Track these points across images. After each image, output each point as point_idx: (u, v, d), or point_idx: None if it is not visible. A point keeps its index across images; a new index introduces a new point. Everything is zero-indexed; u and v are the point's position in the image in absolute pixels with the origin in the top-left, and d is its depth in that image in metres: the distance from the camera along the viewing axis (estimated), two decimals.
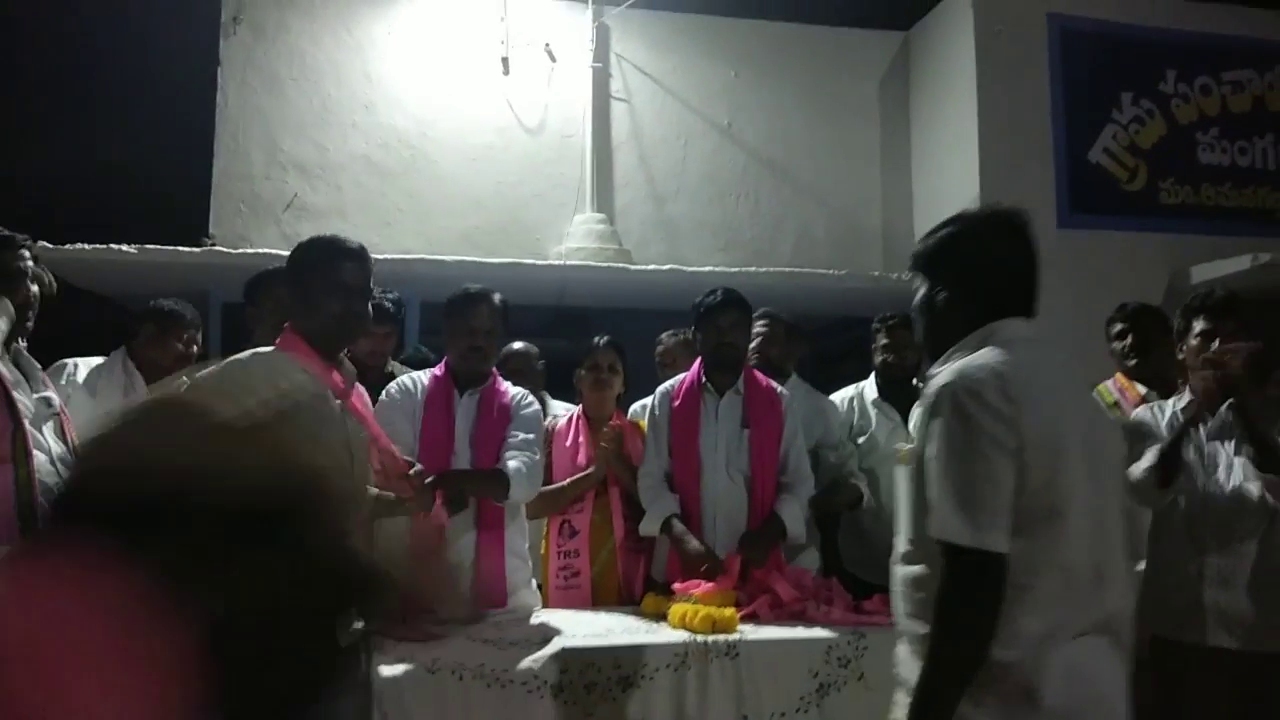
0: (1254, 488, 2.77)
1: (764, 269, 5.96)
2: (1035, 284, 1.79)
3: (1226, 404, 2.84)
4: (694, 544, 3.05)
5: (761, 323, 3.79)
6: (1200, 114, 6.34)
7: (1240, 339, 2.85)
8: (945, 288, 1.82)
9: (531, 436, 2.98)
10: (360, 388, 2.52)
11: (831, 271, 6.02)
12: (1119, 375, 3.62)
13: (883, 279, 6.06)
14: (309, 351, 2.25)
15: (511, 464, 2.87)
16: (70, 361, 3.48)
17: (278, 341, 2.29)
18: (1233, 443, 2.84)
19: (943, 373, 1.71)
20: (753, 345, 3.66)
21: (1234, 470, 2.82)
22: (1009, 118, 6.03)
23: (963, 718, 1.57)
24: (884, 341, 3.86)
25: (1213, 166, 6.31)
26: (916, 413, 1.76)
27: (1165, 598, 2.88)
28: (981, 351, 1.70)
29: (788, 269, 6.08)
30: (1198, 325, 2.94)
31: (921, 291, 1.86)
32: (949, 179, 6.27)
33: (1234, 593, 2.76)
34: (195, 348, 3.65)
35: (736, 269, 5.89)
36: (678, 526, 3.09)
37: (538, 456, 2.97)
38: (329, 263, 2.28)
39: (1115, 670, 1.64)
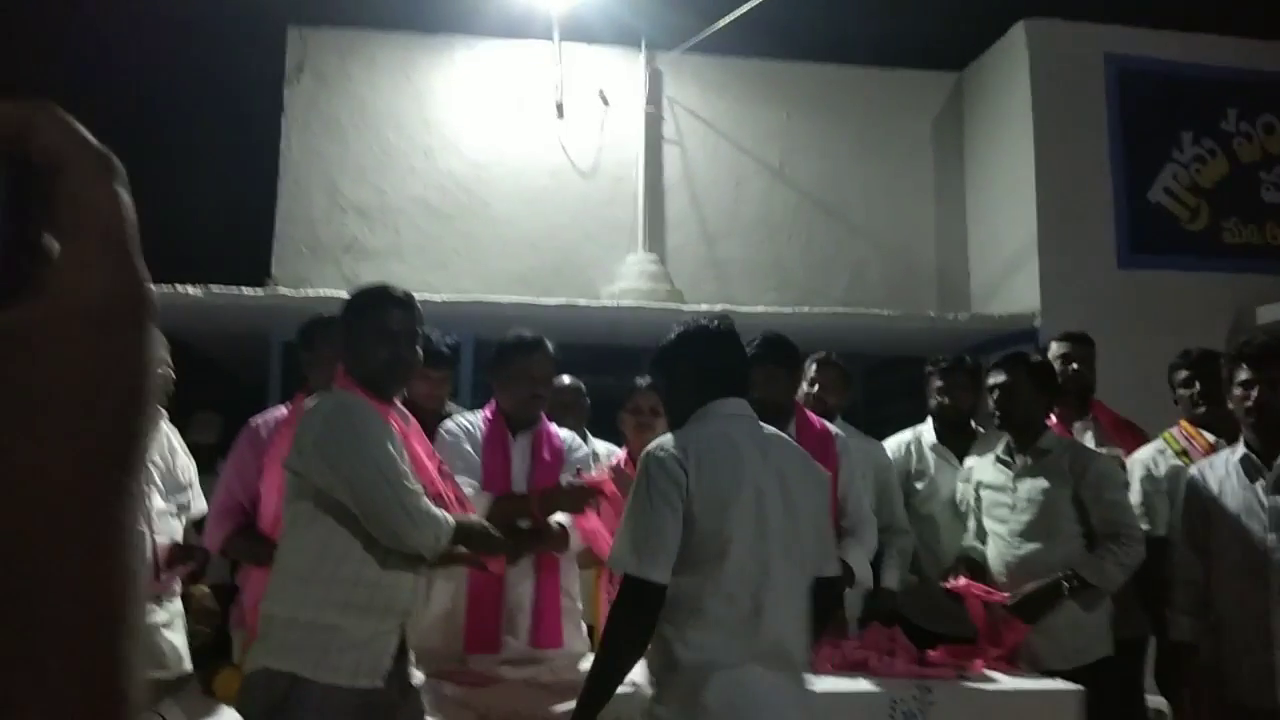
0: None
1: (816, 309, 5.93)
2: (741, 372, 2.29)
3: None
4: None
5: (818, 370, 3.76)
6: (1264, 152, 6.22)
7: None
8: (671, 381, 2.32)
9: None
10: (418, 429, 2.54)
11: (885, 312, 5.97)
12: (1184, 423, 3.53)
13: (938, 319, 6.00)
14: (364, 394, 2.30)
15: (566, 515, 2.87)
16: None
17: (336, 384, 2.33)
18: None
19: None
20: (812, 391, 3.65)
21: None
22: (1066, 157, 5.97)
23: (652, 714, 2.03)
24: (938, 384, 3.81)
25: (1277, 205, 6.17)
26: None
27: (1235, 660, 2.80)
28: (690, 426, 2.18)
29: (840, 309, 6.04)
30: (1240, 374, 2.88)
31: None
32: (1005, 219, 6.21)
33: None
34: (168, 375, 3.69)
35: (789, 309, 5.87)
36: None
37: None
38: (377, 310, 2.33)
39: (779, 691, 2.02)
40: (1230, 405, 2.98)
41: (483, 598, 2.81)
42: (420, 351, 2.40)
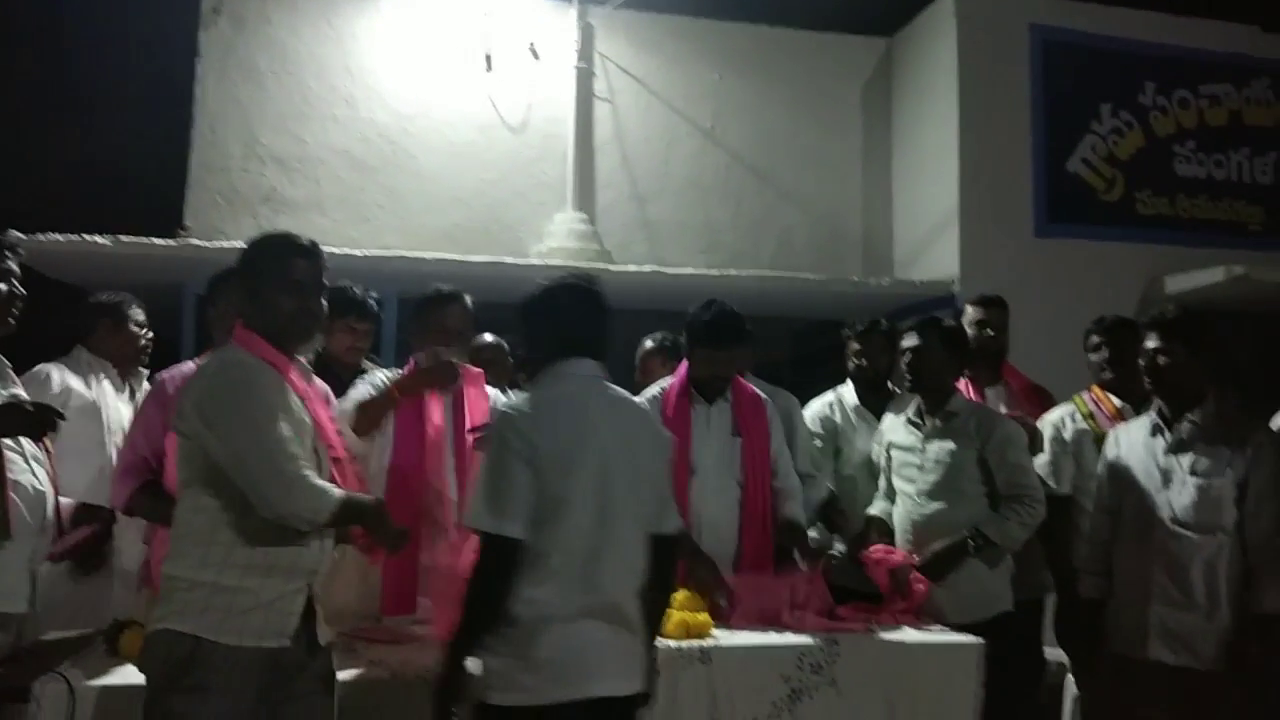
0: (1204, 505, 2.83)
1: (745, 272, 5.96)
2: (599, 334, 2.29)
3: (1186, 420, 2.91)
4: (708, 563, 3.03)
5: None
6: (1178, 126, 6.40)
7: (1188, 357, 2.92)
8: (530, 336, 2.32)
9: None
10: (321, 389, 2.48)
11: (811, 275, 6.04)
12: (1095, 388, 3.64)
13: (862, 284, 6.09)
14: (265, 346, 2.20)
15: None
16: (45, 371, 3.44)
17: (233, 339, 2.23)
18: (1189, 459, 2.90)
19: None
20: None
21: (1187, 486, 2.87)
22: (989, 126, 6.07)
23: (485, 666, 2.06)
24: (855, 347, 3.90)
25: (1189, 179, 6.37)
26: None
27: (1119, 613, 2.94)
28: (541, 385, 2.23)
29: (768, 272, 6.09)
30: (1149, 342, 2.99)
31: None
32: (929, 185, 6.30)
33: (1178, 609, 2.82)
34: (148, 333, 3.67)
35: (717, 271, 5.89)
36: (690, 541, 3.02)
37: None
38: (281, 259, 2.21)
39: (610, 646, 2.09)
40: (1099, 369, 3.10)
41: (398, 559, 2.78)
42: (326, 304, 2.29)
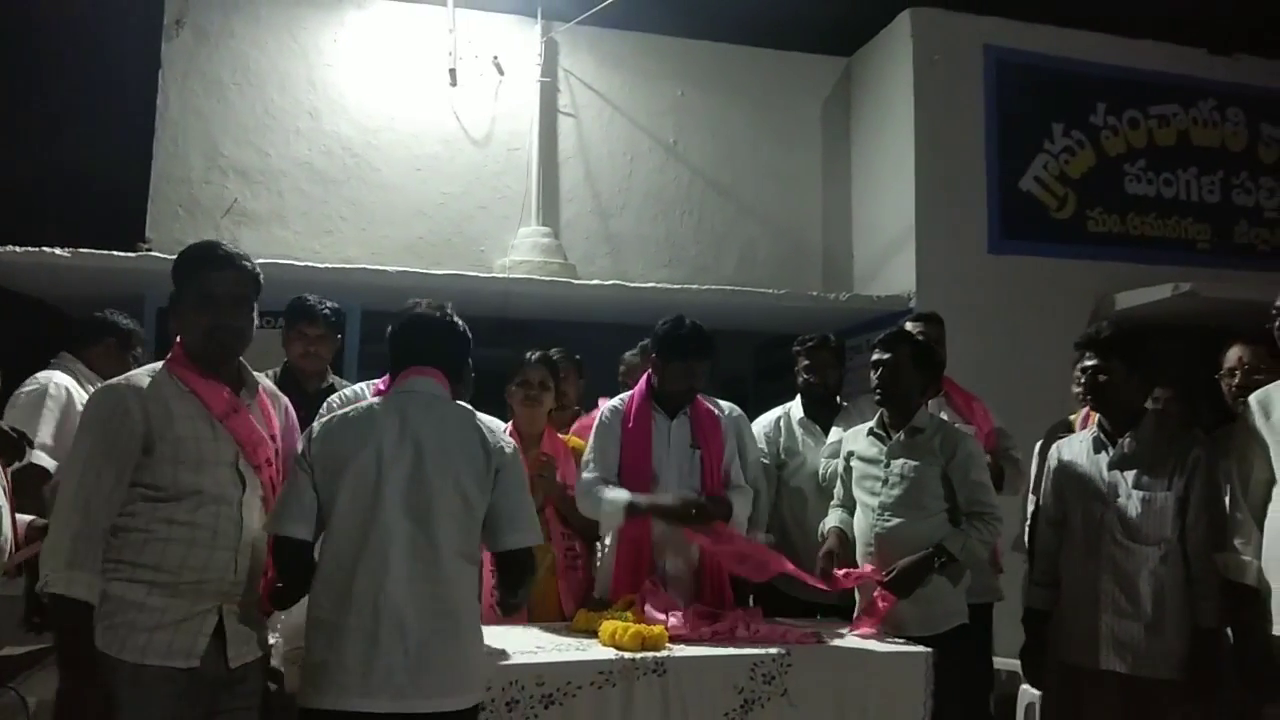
0: (1148, 518, 2.93)
1: (706, 286, 6.04)
2: (438, 351, 2.42)
3: (1128, 435, 3.01)
4: (670, 497, 3.15)
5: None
6: (1128, 146, 6.57)
7: (1125, 374, 3.02)
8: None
9: None
10: (274, 400, 2.43)
11: (772, 290, 6.12)
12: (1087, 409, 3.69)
13: (822, 298, 6.18)
14: (188, 368, 2.18)
15: None
16: (49, 378, 3.49)
17: (167, 358, 2.22)
18: (1133, 473, 3.00)
19: None
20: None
21: (1132, 499, 2.97)
22: (944, 144, 6.20)
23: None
24: (804, 362, 3.97)
25: (1139, 197, 6.54)
26: None
27: (1068, 623, 3.03)
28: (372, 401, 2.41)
29: (730, 286, 6.16)
30: (1087, 360, 3.10)
31: None
32: (887, 202, 6.42)
33: (1127, 619, 2.91)
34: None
35: (679, 285, 5.96)
36: (644, 499, 3.15)
37: None
38: (194, 274, 2.19)
39: (361, 642, 2.13)
40: (1074, 389, 3.19)
41: None
42: (254, 319, 2.27)
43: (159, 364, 2.22)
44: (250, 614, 2.23)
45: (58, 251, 5.02)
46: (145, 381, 2.15)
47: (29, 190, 5.96)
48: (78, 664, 1.97)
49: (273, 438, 2.32)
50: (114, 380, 2.18)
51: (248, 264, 2.27)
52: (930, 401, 3.72)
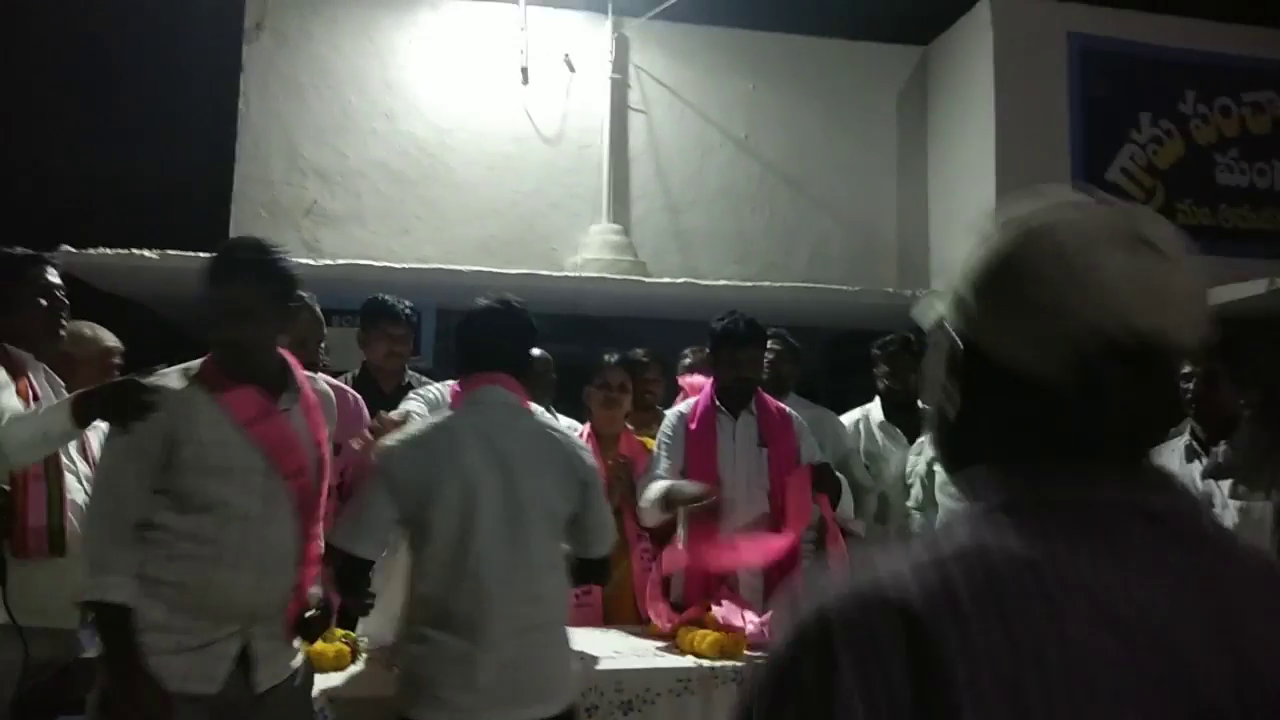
0: (1246, 529, 2.82)
1: (778, 283, 5.98)
2: (505, 354, 2.34)
3: (1222, 444, 2.89)
4: (689, 486, 3.06)
5: (773, 344, 3.80)
6: (1220, 135, 6.33)
7: (1224, 381, 2.91)
8: (456, 361, 2.48)
9: None
10: (325, 402, 2.35)
11: (846, 286, 6.04)
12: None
13: (897, 295, 6.06)
14: (216, 373, 2.15)
15: None
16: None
17: (203, 363, 2.18)
18: (1228, 483, 2.88)
19: None
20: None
21: (1229, 510, 2.86)
22: (1026, 135, 6.03)
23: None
24: (884, 367, 3.90)
25: (1231, 188, 6.30)
26: None
27: None
28: (449, 414, 2.38)
29: (802, 283, 6.09)
30: (1186, 366, 2.97)
31: None
32: (965, 195, 6.27)
33: None
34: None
35: (750, 283, 5.91)
36: (673, 486, 3.08)
37: None
38: (208, 283, 2.14)
39: (460, 661, 2.11)
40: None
41: None
42: (273, 323, 2.16)
43: (195, 363, 2.16)
44: (278, 634, 2.14)
45: (146, 253, 5.17)
46: (175, 384, 2.10)
47: (118, 194, 6.18)
48: (123, 664, 1.96)
49: (318, 444, 2.22)
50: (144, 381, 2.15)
51: (261, 271, 2.12)
52: None
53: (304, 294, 2.51)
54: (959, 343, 0.82)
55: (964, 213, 6.28)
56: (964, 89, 6.37)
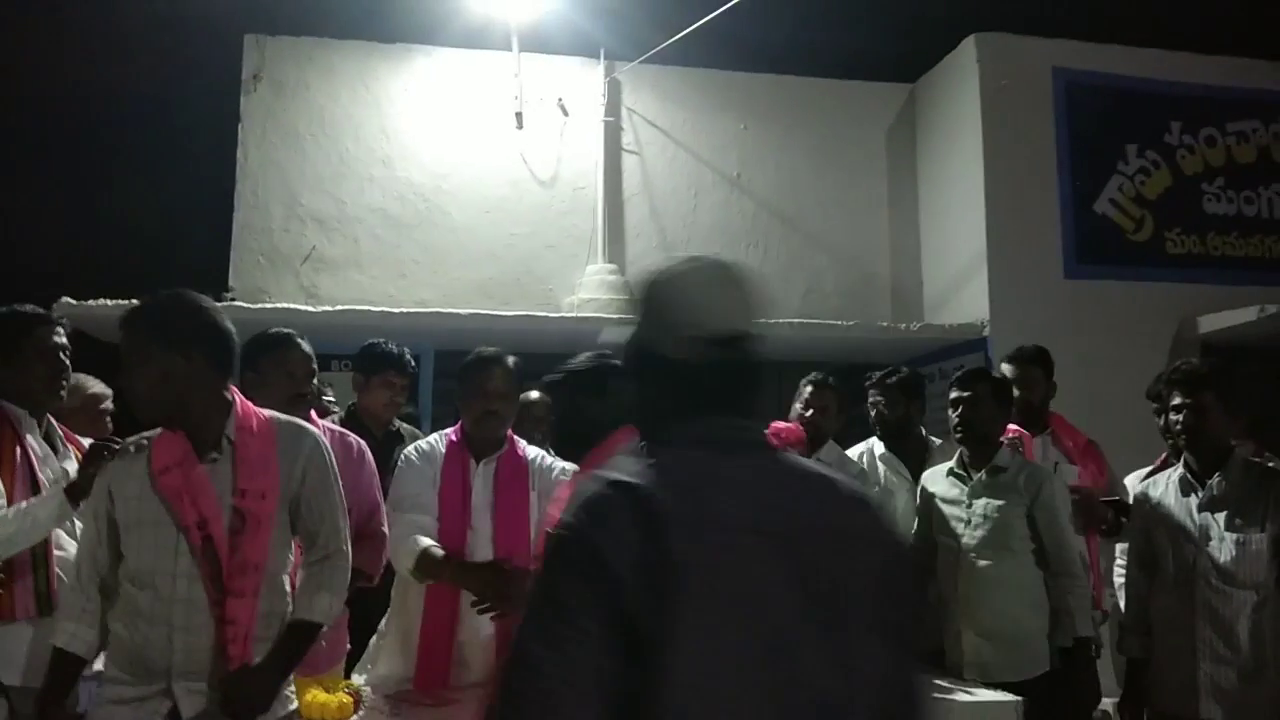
0: (1243, 561, 2.84)
1: (773, 320, 6.01)
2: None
3: (1217, 476, 2.91)
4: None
5: (811, 391, 3.86)
6: (1206, 165, 6.41)
7: (1216, 412, 2.93)
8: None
9: None
10: (280, 443, 2.25)
11: (841, 321, 6.08)
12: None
13: (891, 329, 6.12)
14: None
15: None
16: None
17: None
18: (1224, 515, 2.90)
19: None
20: (806, 414, 3.79)
21: (1225, 542, 2.88)
22: (1015, 169, 6.11)
23: None
24: (879, 399, 3.92)
25: (1219, 216, 6.37)
26: None
27: (1164, 670, 2.93)
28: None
29: (797, 319, 6.13)
30: (1173, 399, 3.02)
31: None
32: (956, 229, 6.34)
33: (1226, 666, 2.81)
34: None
35: None
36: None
37: None
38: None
39: None
40: (1164, 428, 3.12)
41: (435, 633, 2.76)
42: (149, 377, 2.10)
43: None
44: (205, 693, 2.04)
45: None
46: (134, 439, 2.18)
47: (118, 244, 6.23)
48: (41, 702, 2.07)
49: (241, 493, 2.10)
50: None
51: (127, 321, 2.13)
52: (1037, 439, 3.64)
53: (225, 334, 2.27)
54: (638, 346, 1.41)
55: (956, 246, 6.34)
56: (952, 125, 6.46)
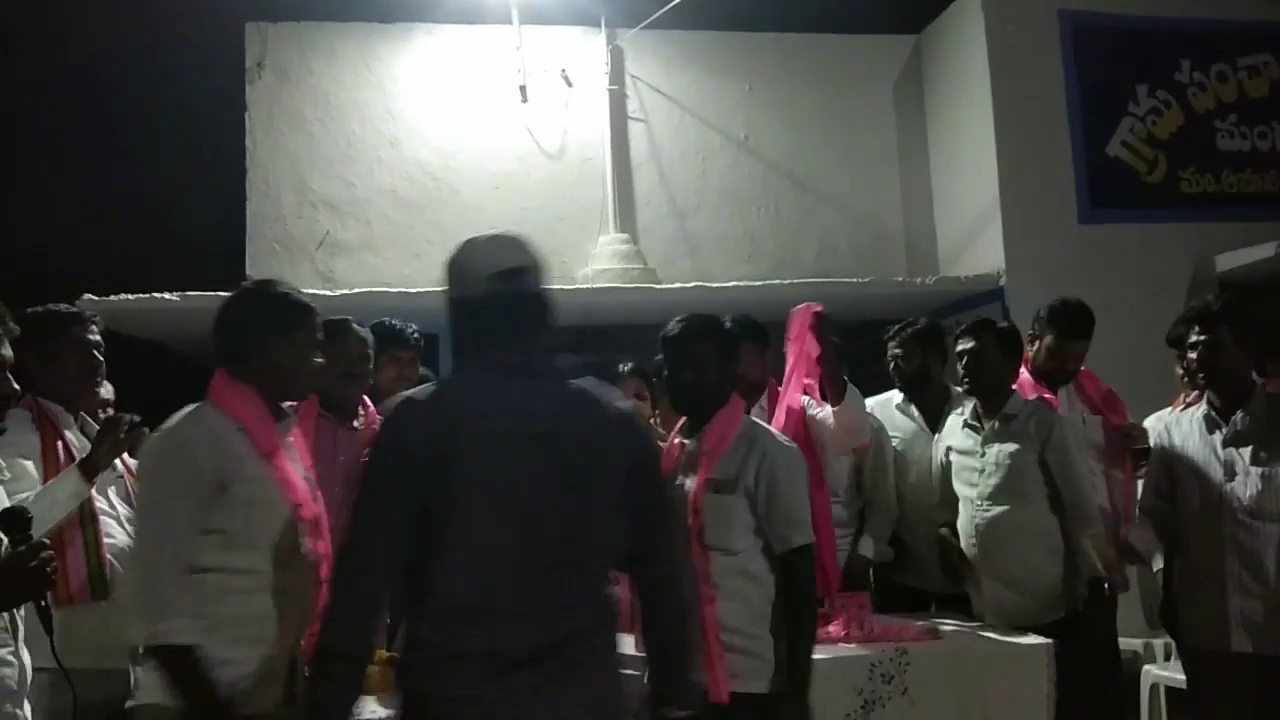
0: (1269, 495, 2.85)
1: (788, 280, 6.02)
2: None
3: (1240, 411, 2.92)
4: None
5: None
6: (1218, 101, 6.32)
7: (1235, 347, 2.92)
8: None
9: None
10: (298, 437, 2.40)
11: (855, 279, 6.08)
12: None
13: (906, 284, 6.11)
14: (249, 402, 2.20)
15: None
16: None
17: (210, 392, 2.21)
18: (1249, 449, 2.91)
19: None
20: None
21: (1250, 477, 2.89)
22: (1025, 115, 6.06)
23: None
24: (896, 351, 3.97)
25: (1232, 153, 6.29)
26: None
27: (1192, 606, 2.96)
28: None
29: (811, 279, 6.14)
30: (1191, 336, 3.02)
31: None
32: (968, 180, 6.31)
33: (1254, 599, 2.83)
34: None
35: (760, 282, 5.96)
36: None
37: None
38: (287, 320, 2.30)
39: None
40: (1183, 366, 3.13)
41: None
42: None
43: (200, 405, 2.19)
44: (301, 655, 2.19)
45: (167, 296, 5.27)
46: (200, 420, 2.15)
47: (135, 240, 6.29)
48: (202, 702, 2.00)
49: (305, 478, 2.27)
50: (172, 424, 2.15)
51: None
52: (1062, 391, 3.66)
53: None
54: (448, 298, 1.91)
55: (968, 197, 6.31)
56: (959, 74, 6.40)
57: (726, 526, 2.40)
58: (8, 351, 2.17)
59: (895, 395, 4.04)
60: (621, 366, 3.59)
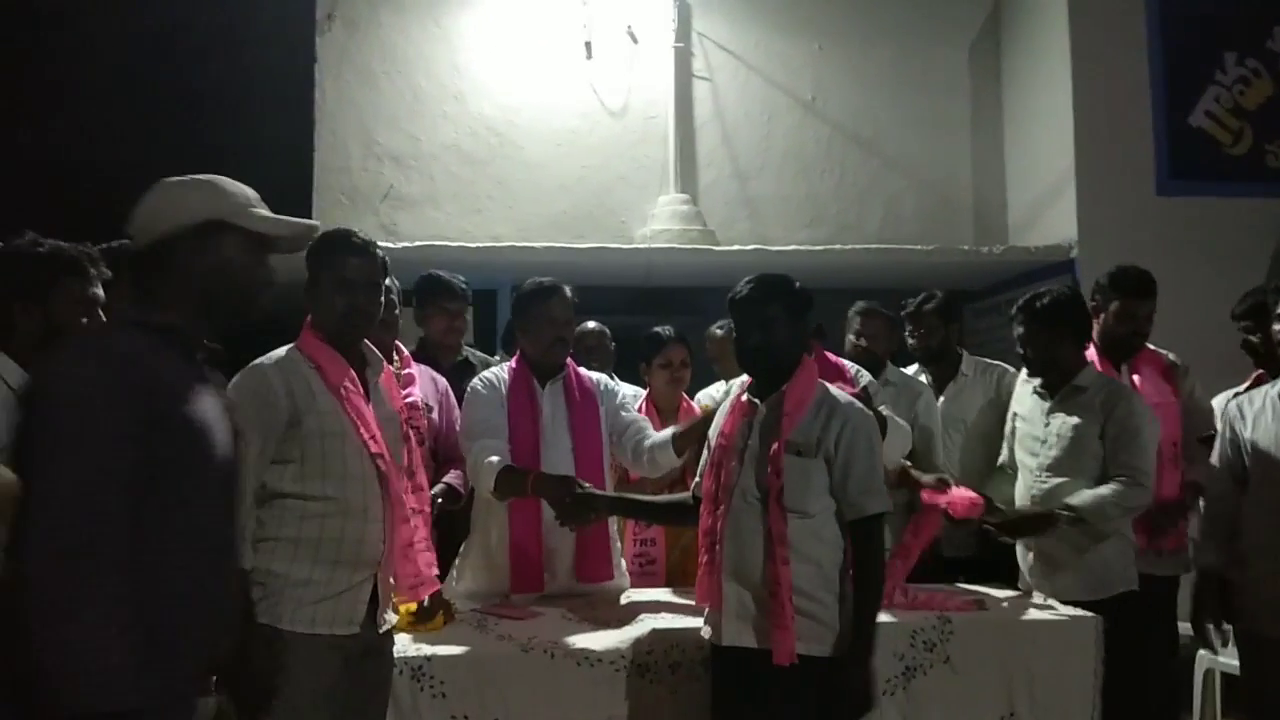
0: None
1: (850, 245, 5.93)
2: None
3: None
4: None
5: (860, 320, 3.89)
6: None
7: None
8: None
9: (642, 417, 3.21)
10: (387, 382, 2.51)
11: (920, 246, 5.96)
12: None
13: (972, 253, 5.97)
14: (320, 346, 2.30)
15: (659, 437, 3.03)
16: None
17: (300, 339, 2.35)
18: None
19: None
20: (859, 343, 3.85)
21: None
22: (1105, 81, 5.84)
23: None
24: (909, 326, 4.05)
25: None
26: None
27: (1256, 590, 2.86)
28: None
29: (875, 245, 6.04)
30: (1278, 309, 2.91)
31: None
32: (1043, 148, 6.12)
33: None
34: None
35: (822, 246, 5.89)
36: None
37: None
38: (334, 258, 2.32)
39: None
40: (1257, 346, 3.00)
41: (524, 542, 2.95)
42: (382, 302, 2.40)
43: (287, 347, 2.34)
44: (388, 581, 2.33)
45: None
46: (282, 359, 2.29)
47: None
48: (245, 622, 2.04)
49: (389, 419, 2.38)
50: (256, 361, 2.29)
51: (379, 252, 2.40)
52: (1124, 366, 3.57)
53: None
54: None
55: (1042, 165, 6.13)
56: (1038, 36, 6.19)
57: (804, 489, 2.37)
58: (99, 291, 2.37)
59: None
60: (664, 333, 3.57)
